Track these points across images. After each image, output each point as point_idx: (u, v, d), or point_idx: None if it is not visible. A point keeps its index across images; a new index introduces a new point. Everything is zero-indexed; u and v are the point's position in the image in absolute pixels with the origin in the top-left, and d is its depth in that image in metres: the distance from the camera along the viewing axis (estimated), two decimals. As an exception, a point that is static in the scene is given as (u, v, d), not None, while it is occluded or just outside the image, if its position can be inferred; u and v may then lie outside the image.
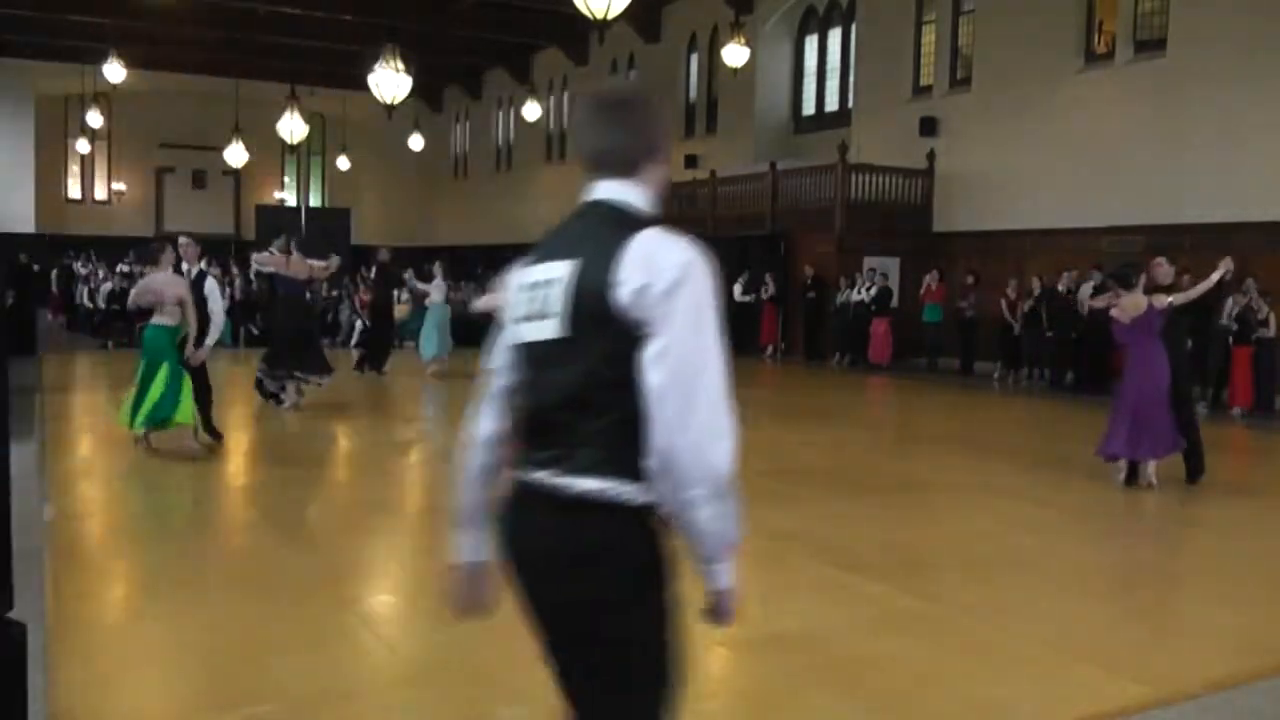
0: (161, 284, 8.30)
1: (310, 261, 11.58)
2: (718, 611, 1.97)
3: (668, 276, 1.82)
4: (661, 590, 1.92)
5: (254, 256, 12.31)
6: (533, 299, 1.97)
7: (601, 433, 1.87)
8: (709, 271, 1.87)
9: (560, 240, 1.99)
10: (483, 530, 2.11)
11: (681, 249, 1.86)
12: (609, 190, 1.99)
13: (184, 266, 8.71)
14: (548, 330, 1.93)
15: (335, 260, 12.50)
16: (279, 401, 11.11)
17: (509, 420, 2.09)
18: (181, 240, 8.85)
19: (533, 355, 1.98)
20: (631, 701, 1.93)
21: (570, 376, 1.89)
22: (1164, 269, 8.14)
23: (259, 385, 11.22)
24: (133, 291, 8.95)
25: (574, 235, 1.97)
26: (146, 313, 8.60)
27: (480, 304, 6.90)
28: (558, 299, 1.91)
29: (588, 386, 1.87)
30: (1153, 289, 7.98)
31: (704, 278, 1.85)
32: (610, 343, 1.85)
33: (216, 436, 8.74)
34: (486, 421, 2.12)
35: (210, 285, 8.79)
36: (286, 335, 11.20)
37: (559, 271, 1.92)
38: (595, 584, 1.87)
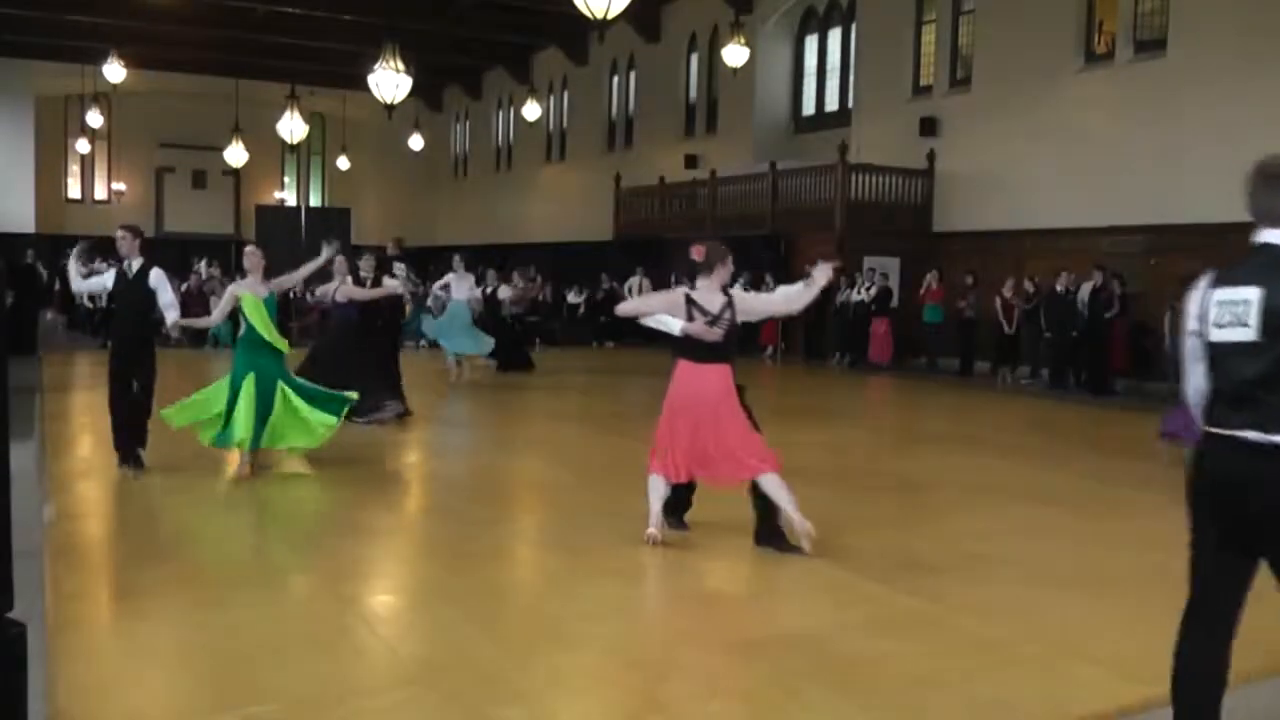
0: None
1: (350, 278, 10.55)
2: None
3: None
4: None
5: (319, 291, 11.26)
6: (1232, 312, 2.85)
7: None
8: None
9: (1245, 271, 2.90)
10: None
11: None
12: (1274, 235, 2.93)
13: (126, 263, 7.74)
14: (1245, 335, 2.82)
15: (393, 282, 11.28)
16: None
17: (1209, 387, 2.97)
18: (118, 232, 7.79)
19: (1230, 350, 2.86)
20: None
21: (1263, 365, 2.78)
22: None
23: None
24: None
25: (1256, 268, 2.88)
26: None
27: (625, 308, 6.28)
28: (1253, 314, 2.81)
29: (1276, 372, 2.76)
30: None
31: None
32: None
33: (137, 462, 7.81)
34: (1198, 379, 3.03)
35: (156, 277, 7.70)
36: (326, 360, 10.23)
37: (1251, 295, 2.82)
38: None
